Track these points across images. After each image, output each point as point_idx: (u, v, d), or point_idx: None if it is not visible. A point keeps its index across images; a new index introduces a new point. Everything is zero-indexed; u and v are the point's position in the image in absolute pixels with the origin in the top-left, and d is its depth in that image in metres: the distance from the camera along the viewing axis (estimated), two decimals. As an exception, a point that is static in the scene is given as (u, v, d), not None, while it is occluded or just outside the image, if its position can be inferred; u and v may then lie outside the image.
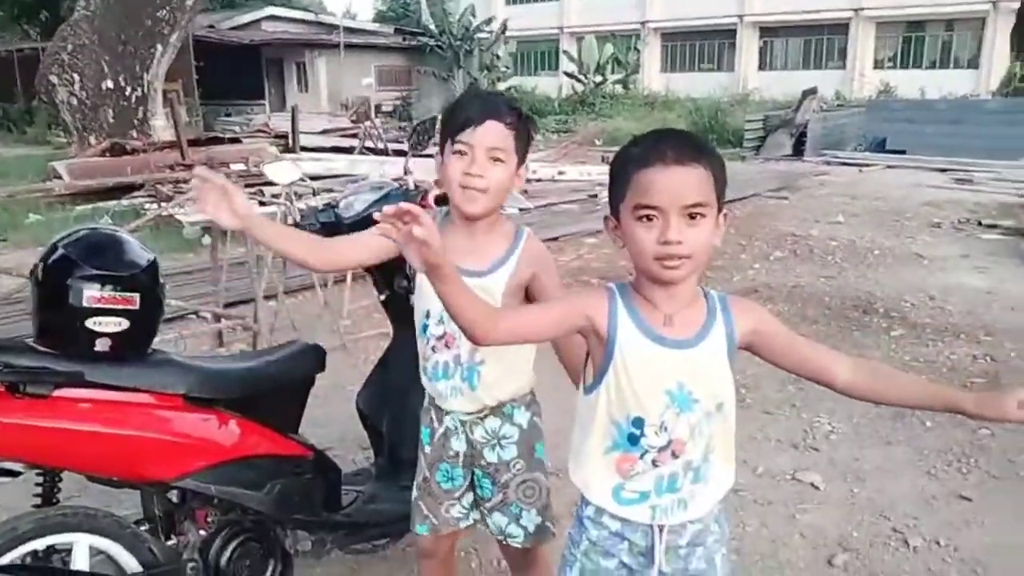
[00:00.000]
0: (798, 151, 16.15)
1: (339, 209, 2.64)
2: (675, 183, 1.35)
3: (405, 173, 2.77)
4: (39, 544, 1.99)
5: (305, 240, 1.94)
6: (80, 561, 2.04)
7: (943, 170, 13.69)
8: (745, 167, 15.26)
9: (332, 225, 2.61)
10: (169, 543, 2.23)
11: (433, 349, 1.96)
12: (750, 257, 7.79)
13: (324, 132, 17.03)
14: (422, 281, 1.92)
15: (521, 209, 9.96)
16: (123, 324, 2.01)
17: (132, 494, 2.30)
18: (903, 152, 15.23)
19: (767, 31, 32.65)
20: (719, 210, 1.42)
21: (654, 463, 1.48)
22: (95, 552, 2.07)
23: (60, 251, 2.02)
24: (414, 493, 2.12)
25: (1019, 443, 3.82)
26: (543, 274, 1.94)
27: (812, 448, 3.82)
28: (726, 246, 8.23)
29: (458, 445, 2.01)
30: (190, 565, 2.20)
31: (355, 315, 5.34)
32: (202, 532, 2.25)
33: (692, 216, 1.36)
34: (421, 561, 2.25)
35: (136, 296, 2.02)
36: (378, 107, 23.47)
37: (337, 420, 3.52)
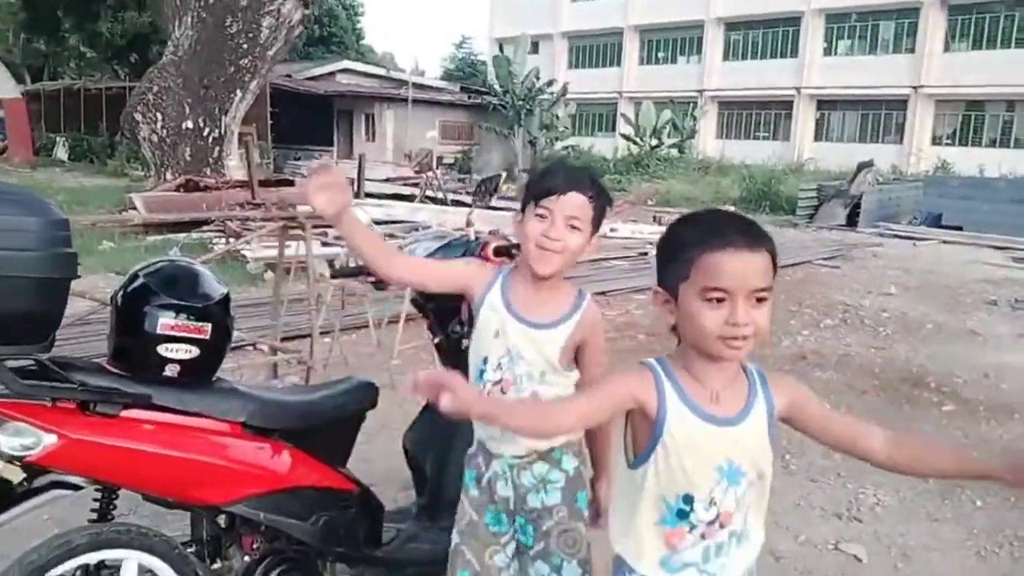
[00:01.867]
0: (851, 222, 16.03)
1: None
2: (745, 268, 1.39)
3: (467, 224, 2.87)
4: (91, 558, 2.06)
5: (382, 245, 2.06)
6: (129, 579, 2.12)
7: (1001, 248, 13.44)
8: (797, 234, 15.19)
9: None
10: (214, 567, 2.31)
11: (490, 394, 2.01)
12: (799, 323, 7.73)
13: (387, 180, 17.47)
14: (480, 328, 2.01)
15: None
16: (193, 352, 2.12)
17: (180, 516, 2.39)
18: (959, 228, 15.01)
19: (824, 103, 32.71)
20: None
21: (703, 536, 1.50)
22: (143, 570, 2.15)
23: (140, 280, 2.15)
24: (455, 539, 2.13)
25: (1074, 531, 3.71)
26: (593, 340, 2.02)
27: (856, 519, 3.76)
28: (775, 311, 8.14)
29: (504, 491, 2.05)
30: (233, 589, 2.27)
31: (405, 355, 5.44)
32: (247, 558, 2.31)
33: (758, 300, 1.40)
34: None
35: (208, 326, 2.13)
36: (440, 159, 24.00)
37: (381, 457, 3.59)
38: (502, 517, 2.06)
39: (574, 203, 1.89)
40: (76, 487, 2.09)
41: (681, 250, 1.44)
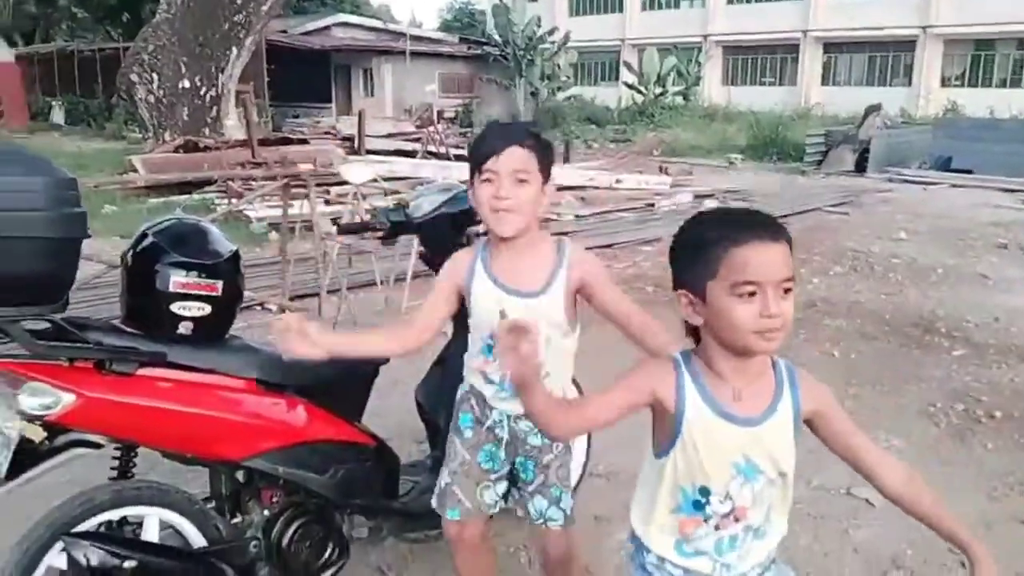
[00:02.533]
0: (860, 167, 15.87)
1: (408, 209, 2.73)
2: (772, 259, 1.39)
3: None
4: (114, 515, 2.11)
5: (379, 337, 2.16)
6: (151, 533, 2.16)
7: (1011, 190, 13.31)
8: (806, 181, 15.08)
9: (402, 224, 2.71)
10: (234, 521, 2.34)
11: (500, 366, 2.03)
12: (809, 271, 7.70)
13: (388, 136, 17.34)
14: (478, 309, 2.04)
15: (578, 216, 10.01)
16: (205, 309, 2.13)
17: (198, 475, 2.42)
18: (970, 172, 14.85)
19: (831, 46, 32.16)
20: None
21: (717, 527, 1.52)
22: (164, 526, 2.19)
23: (150, 239, 2.14)
24: (444, 479, 2.20)
25: (1086, 469, 3.73)
26: (593, 280, 2.02)
27: (868, 464, 3.78)
28: (784, 260, 8.15)
29: (502, 433, 2.13)
30: (252, 543, 2.30)
31: (413, 312, 5.44)
32: (266, 512, 2.35)
33: (786, 290, 1.40)
34: (454, 551, 2.31)
35: (219, 283, 2.13)
36: (441, 113, 23.79)
37: (393, 413, 3.60)
38: (498, 455, 2.14)
39: (515, 157, 1.92)
40: (96, 445, 2.11)
41: (705, 249, 1.43)
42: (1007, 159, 14.39)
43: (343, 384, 2.44)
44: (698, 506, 1.51)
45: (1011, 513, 3.36)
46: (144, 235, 2.18)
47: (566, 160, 15.58)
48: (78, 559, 1.97)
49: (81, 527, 2.03)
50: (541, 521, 2.15)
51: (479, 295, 2.02)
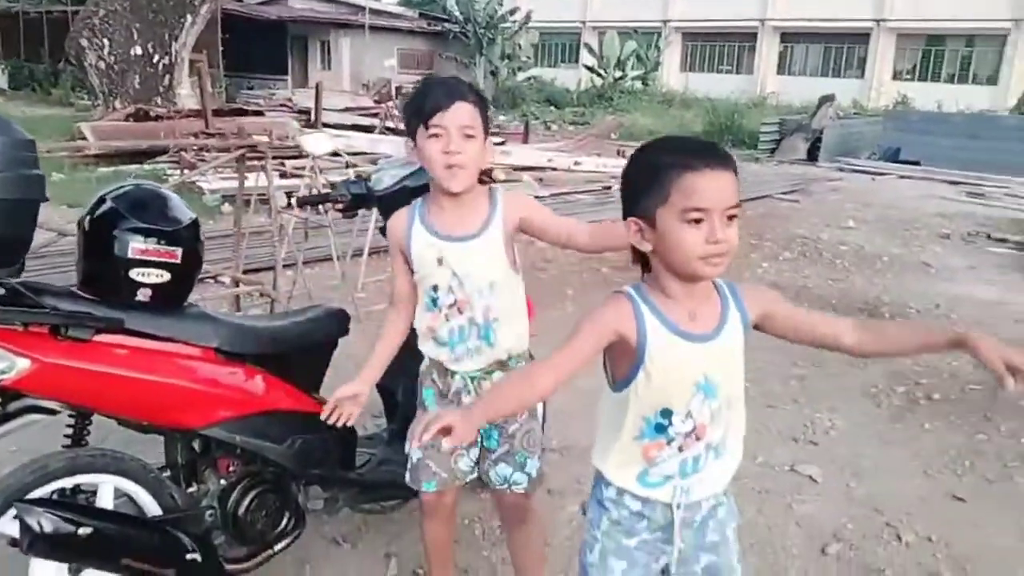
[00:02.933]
0: (812, 156, 16.18)
1: (370, 183, 2.73)
2: (720, 186, 1.43)
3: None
4: (67, 482, 2.09)
5: (390, 332, 2.22)
6: (105, 501, 2.14)
7: (956, 183, 13.70)
8: (759, 168, 15.31)
9: (363, 197, 2.71)
10: (190, 490, 2.34)
11: (447, 317, 2.09)
12: (760, 256, 7.86)
13: (346, 110, 17.11)
14: (418, 262, 2.07)
15: (537, 197, 10.03)
16: (164, 276, 2.11)
17: (153, 444, 2.40)
18: (917, 163, 15.25)
19: (788, 36, 32.60)
20: None
21: (680, 448, 1.56)
22: (119, 494, 2.18)
23: (108, 204, 2.11)
24: (416, 454, 2.22)
25: (1016, 449, 3.91)
26: (531, 213, 2.10)
27: (812, 442, 3.91)
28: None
29: (469, 400, 2.14)
30: (208, 512, 2.30)
31: (369, 288, 5.44)
32: (222, 481, 2.35)
33: (730, 217, 1.45)
34: (425, 521, 2.35)
35: (178, 250, 2.12)
36: (399, 89, 23.50)
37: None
38: None
39: (463, 112, 1.96)
40: (51, 412, 2.09)
41: (657, 174, 1.46)
42: (953, 152, 14.81)
43: (302, 355, 2.45)
44: (660, 429, 1.55)
45: (945, 489, 3.51)
46: (102, 200, 2.14)
47: (525, 141, 15.59)
48: (31, 525, 1.95)
49: (34, 494, 2.02)
50: (505, 486, 2.18)
51: (418, 249, 2.06)
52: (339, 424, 2.13)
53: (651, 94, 28.68)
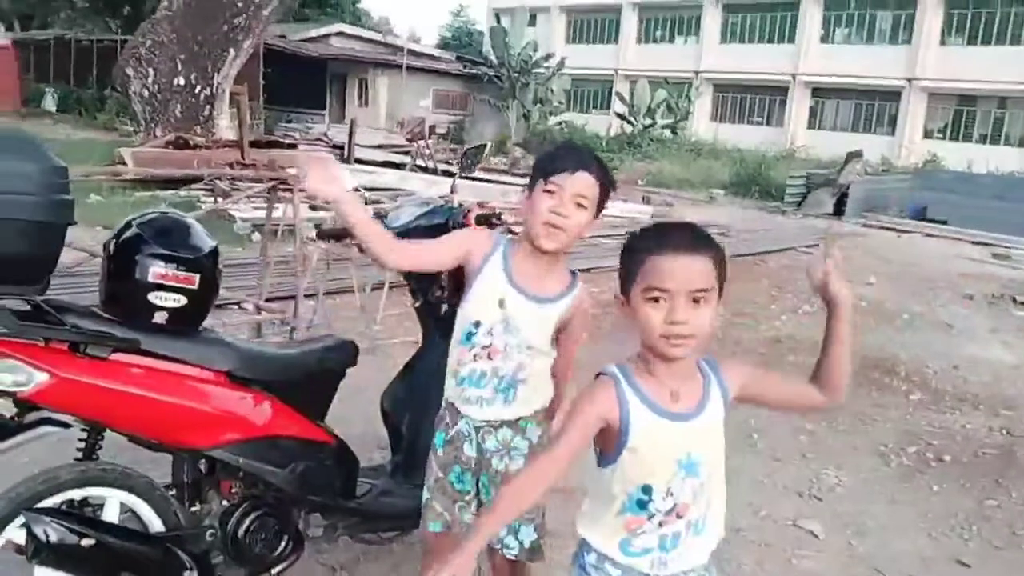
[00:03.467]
0: (839, 211, 16.16)
1: (386, 220, 2.82)
2: (683, 269, 1.51)
3: (452, 191, 2.95)
4: (76, 494, 2.17)
5: (384, 236, 2.08)
6: (110, 514, 2.22)
7: (982, 244, 13.61)
8: (784, 221, 15.33)
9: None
10: (193, 509, 2.40)
11: (475, 357, 2.10)
12: (779, 308, 7.86)
13: (379, 147, 17.43)
14: (478, 294, 2.09)
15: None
16: (181, 301, 2.20)
17: (161, 464, 2.48)
18: (944, 222, 15.17)
19: (819, 91, 32.71)
20: (719, 295, 1.56)
21: (660, 524, 1.61)
22: (125, 509, 2.25)
23: (133, 229, 2.22)
24: (425, 494, 2.25)
25: (1025, 516, 3.87)
26: (578, 321, 2.15)
27: (816, 497, 3.89)
28: (756, 296, 8.30)
29: (469, 451, 2.16)
30: (209, 531, 2.36)
31: (388, 321, 5.52)
32: (224, 502, 2.41)
33: (696, 300, 1.51)
34: (427, 558, 2.37)
35: (197, 276, 2.21)
36: (432, 128, 23.91)
37: (359, 419, 3.66)
38: (466, 476, 2.18)
39: (583, 182, 1.99)
40: (65, 425, 2.18)
41: (632, 257, 1.57)
42: (981, 213, 14.71)
43: (310, 383, 2.52)
44: (642, 504, 1.60)
45: (949, 553, 3.49)
46: (128, 225, 2.25)
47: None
48: (37, 534, 2.03)
49: (43, 504, 2.09)
50: (498, 546, 2.17)
51: (485, 280, 2.07)
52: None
53: (680, 142, 28.85)
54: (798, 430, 4.67)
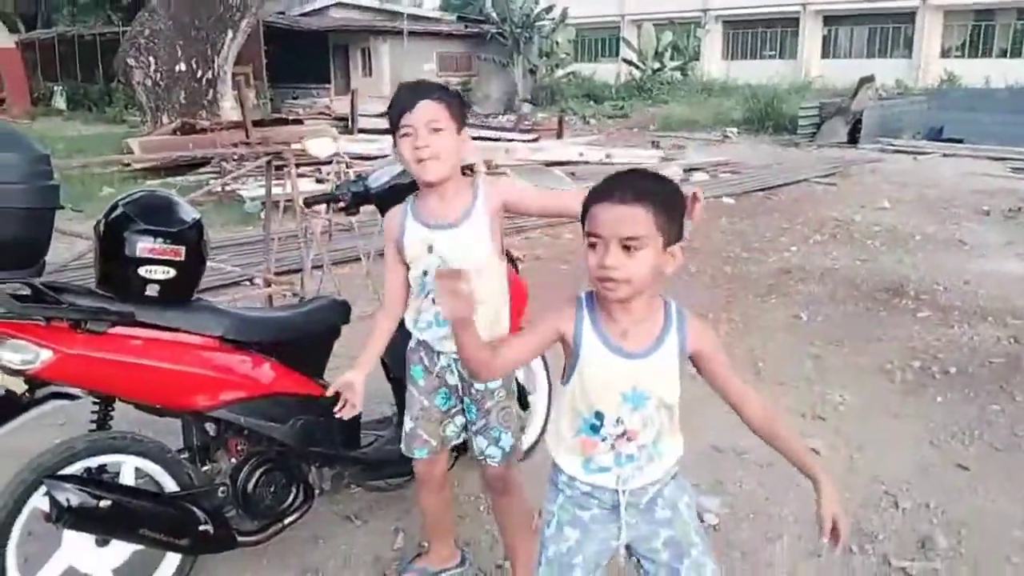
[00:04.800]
0: (853, 139, 15.96)
1: (368, 181, 2.92)
2: (615, 217, 1.58)
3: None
4: (92, 462, 2.32)
5: (379, 328, 2.34)
6: (127, 479, 2.37)
7: (1000, 159, 13.41)
8: (798, 153, 15.19)
9: (361, 195, 2.89)
10: (204, 469, 2.55)
11: (433, 301, 2.25)
12: (789, 240, 7.87)
13: (382, 115, 17.42)
14: (410, 251, 2.24)
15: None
16: (170, 273, 2.32)
17: (174, 432, 2.62)
18: (960, 141, 14.94)
19: (831, 19, 32.00)
20: (669, 242, 1.62)
21: (612, 446, 1.73)
22: (141, 474, 2.41)
23: (120, 209, 2.33)
24: (408, 425, 2.43)
25: (1028, 418, 3.92)
26: (512, 195, 2.28)
27: (819, 417, 3.97)
28: (767, 229, 8.31)
29: (452, 379, 2.35)
30: (220, 488, 2.51)
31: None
32: (233, 460, 2.56)
33: (627, 247, 1.58)
34: (418, 490, 2.56)
35: (183, 248, 2.32)
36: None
37: (371, 378, 3.80)
38: (451, 397, 2.38)
39: (426, 109, 2.12)
40: (73, 397, 2.33)
41: (585, 204, 1.66)
42: (998, 128, 14.47)
43: (304, 342, 2.64)
44: (594, 429, 1.72)
45: (949, 459, 3.56)
46: (115, 206, 2.37)
47: (559, 136, 15.70)
48: (60, 500, 2.18)
49: (63, 472, 2.25)
50: (482, 458, 2.36)
51: (410, 238, 2.23)
52: (346, 415, 2.28)
53: (690, 84, 28.47)
54: (804, 355, 4.74)
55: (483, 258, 2.22)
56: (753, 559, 2.86)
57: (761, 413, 1.76)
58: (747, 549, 2.91)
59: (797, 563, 2.84)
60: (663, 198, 1.62)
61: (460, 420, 2.41)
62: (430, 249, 2.20)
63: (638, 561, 1.84)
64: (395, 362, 3.00)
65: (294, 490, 2.63)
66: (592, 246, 1.61)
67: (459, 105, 2.21)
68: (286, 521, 2.62)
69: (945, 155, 14.24)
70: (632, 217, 1.58)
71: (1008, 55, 27.82)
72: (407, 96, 2.15)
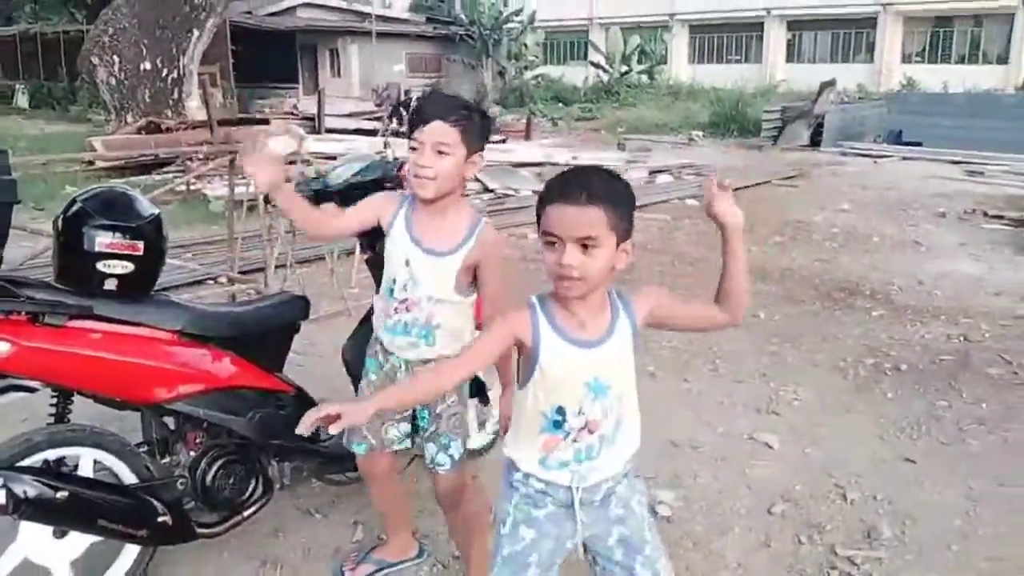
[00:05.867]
0: (815, 142, 16.24)
1: (327, 179, 2.95)
2: (571, 218, 1.62)
3: (384, 147, 3.06)
4: (51, 455, 2.32)
5: (308, 211, 2.32)
6: (85, 471, 2.38)
7: (956, 162, 13.72)
8: (761, 156, 15.40)
9: (321, 192, 2.92)
10: (163, 462, 2.57)
11: (395, 310, 2.30)
12: (748, 240, 7.76)
13: (350, 115, 17.41)
14: (389, 254, 2.27)
15: (534, 191, 10.24)
16: (128, 267, 2.33)
17: (134, 426, 2.64)
18: (919, 144, 15.27)
19: (795, 24, 32.49)
20: (621, 240, 1.67)
21: (574, 440, 1.77)
22: (99, 467, 2.41)
23: (78, 204, 2.35)
24: None
25: (975, 413, 4.05)
26: (488, 261, 2.27)
27: (774, 412, 4.07)
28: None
29: (402, 378, 2.35)
30: (179, 480, 2.53)
31: (362, 283, 5.66)
32: (192, 453, 2.58)
33: (584, 246, 1.63)
34: (367, 483, 2.61)
35: (141, 243, 2.34)
36: (407, 92, 23.77)
37: (337, 375, 3.82)
38: None
39: (436, 131, 2.14)
40: (31, 389, 2.33)
41: (540, 202, 1.70)
42: (955, 132, 14.80)
43: (263, 337, 2.67)
44: (557, 425, 1.76)
45: (898, 453, 3.67)
46: (73, 201, 2.38)
47: (527, 137, 15.79)
48: (16, 491, 2.18)
49: (21, 464, 2.25)
50: (432, 466, 2.39)
51: (394, 242, 2.26)
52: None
53: (657, 87, 28.73)
54: (760, 352, 4.84)
55: (443, 294, 2.25)
56: (705, 550, 2.93)
57: (715, 304, 1.83)
58: (699, 540, 2.98)
59: (748, 554, 2.92)
60: (616, 197, 1.67)
61: (405, 427, 2.42)
62: (407, 263, 2.24)
63: (594, 559, 1.89)
64: (356, 358, 3.04)
65: (253, 482, 2.65)
66: (550, 244, 1.65)
67: (478, 129, 2.20)
68: (245, 513, 2.64)
69: (904, 158, 14.55)
70: (587, 218, 1.62)
71: (966, 61, 28.51)
72: (427, 110, 2.16)
